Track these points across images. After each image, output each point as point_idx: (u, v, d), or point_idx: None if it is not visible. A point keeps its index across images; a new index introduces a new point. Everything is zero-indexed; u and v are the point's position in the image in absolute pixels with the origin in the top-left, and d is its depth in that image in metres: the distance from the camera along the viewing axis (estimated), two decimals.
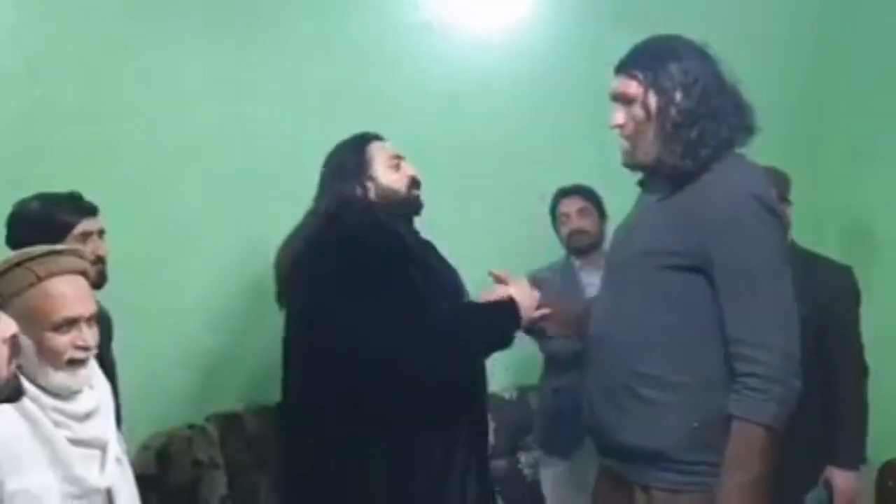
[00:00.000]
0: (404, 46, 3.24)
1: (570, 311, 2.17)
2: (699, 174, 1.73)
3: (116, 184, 2.62)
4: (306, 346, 2.03)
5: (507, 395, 3.31)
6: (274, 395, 2.23)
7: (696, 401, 1.70)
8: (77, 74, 2.70)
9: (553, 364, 2.88)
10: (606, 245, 2.85)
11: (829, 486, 2.49)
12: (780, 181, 2.36)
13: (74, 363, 1.58)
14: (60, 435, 1.54)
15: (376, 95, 3.10)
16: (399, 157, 2.17)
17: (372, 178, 2.12)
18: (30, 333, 1.52)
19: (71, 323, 1.57)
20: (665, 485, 1.72)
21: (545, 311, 2.07)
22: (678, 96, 1.74)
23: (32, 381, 1.55)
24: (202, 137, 2.87)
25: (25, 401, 1.49)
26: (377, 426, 1.96)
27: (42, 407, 1.53)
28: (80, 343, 1.58)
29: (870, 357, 2.53)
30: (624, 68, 1.82)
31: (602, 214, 2.95)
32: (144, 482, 2.00)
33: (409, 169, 2.17)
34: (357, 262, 1.94)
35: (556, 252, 3.01)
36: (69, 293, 1.57)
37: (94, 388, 1.68)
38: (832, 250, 2.67)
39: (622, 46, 1.87)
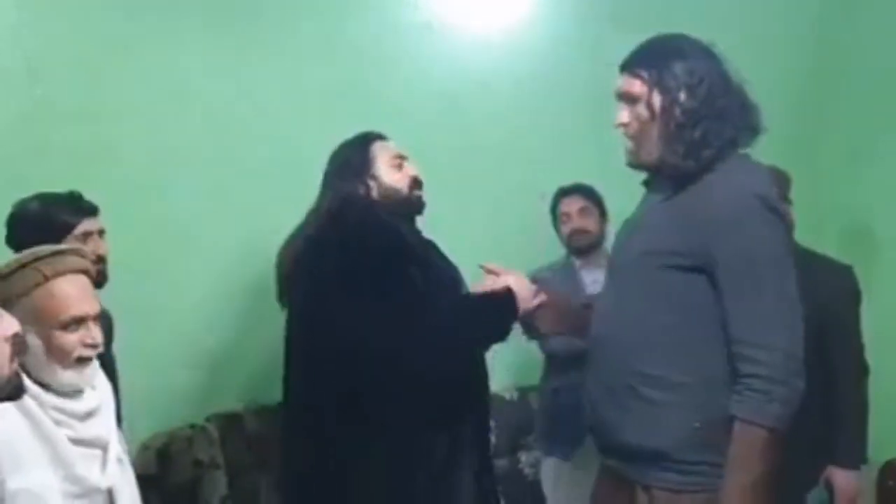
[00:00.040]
0: (404, 46, 3.24)
1: (566, 304, 2.18)
2: (702, 174, 1.72)
3: (116, 184, 2.62)
4: (307, 346, 2.03)
5: (507, 396, 3.31)
6: (274, 395, 2.23)
7: (697, 401, 1.70)
8: (77, 74, 2.70)
9: (553, 364, 2.88)
10: (607, 244, 2.87)
11: (829, 486, 2.49)
12: (780, 181, 2.36)
13: (82, 361, 1.60)
14: (61, 434, 1.55)
15: (376, 95, 3.10)
16: (402, 157, 2.17)
17: (374, 178, 2.12)
18: (38, 333, 1.54)
19: (79, 321, 1.58)
20: (666, 485, 1.72)
21: (542, 298, 2.07)
22: (682, 96, 1.73)
23: (38, 379, 1.56)
24: (202, 137, 2.87)
25: (26, 399, 1.49)
26: (377, 426, 1.96)
27: (43, 406, 1.54)
28: (89, 341, 1.60)
29: (870, 357, 2.53)
30: (629, 67, 1.81)
31: (603, 214, 2.95)
32: (145, 482, 2.00)
33: (411, 169, 2.18)
34: (358, 261, 1.94)
35: (557, 252, 3.01)
36: (76, 292, 1.59)
37: (95, 387, 1.68)
38: (832, 250, 2.67)
39: (622, 46, 1.87)
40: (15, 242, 2.07)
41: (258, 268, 2.63)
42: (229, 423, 2.81)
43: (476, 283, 2.11)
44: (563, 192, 2.98)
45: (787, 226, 1.78)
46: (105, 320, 1.82)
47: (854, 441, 2.46)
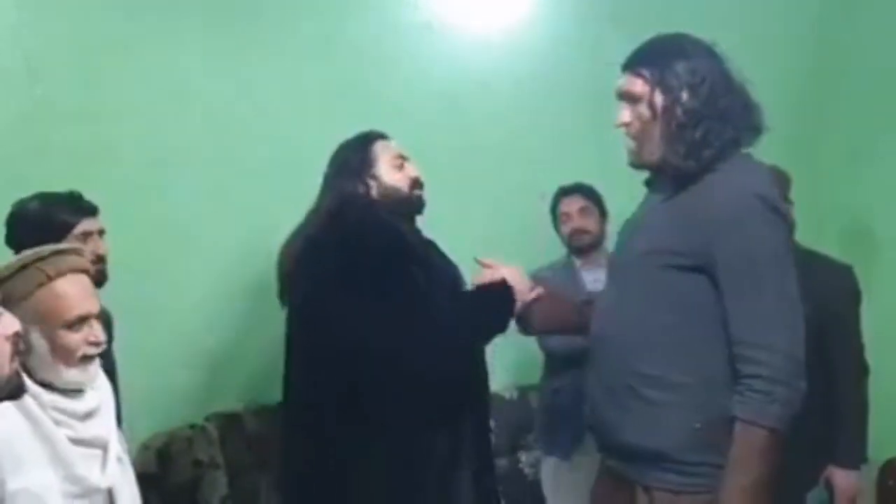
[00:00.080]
0: (404, 46, 3.24)
1: (563, 299, 2.18)
2: (703, 174, 1.72)
3: (116, 184, 2.63)
4: (307, 345, 2.03)
5: (507, 395, 3.31)
6: (274, 395, 2.23)
7: (697, 401, 1.70)
8: (77, 74, 2.70)
9: (553, 364, 2.88)
10: (607, 244, 2.87)
11: (829, 486, 2.49)
12: (780, 181, 2.36)
13: (87, 359, 1.61)
14: (61, 434, 1.55)
15: (376, 95, 3.10)
16: (403, 157, 2.17)
17: (375, 177, 2.12)
18: (42, 332, 1.55)
19: (83, 320, 1.59)
20: (667, 486, 1.72)
21: (539, 291, 2.08)
22: (684, 96, 1.72)
23: (42, 378, 1.56)
24: (202, 137, 2.87)
25: (26, 399, 1.50)
26: (377, 426, 1.96)
27: (43, 406, 1.54)
28: (92, 339, 1.61)
29: (870, 356, 2.53)
30: (630, 66, 1.81)
31: (603, 213, 2.95)
32: (145, 482, 2.00)
33: (412, 169, 2.18)
34: (358, 260, 1.94)
35: (557, 251, 3.01)
36: (79, 291, 1.60)
37: (95, 387, 1.68)
38: (832, 250, 2.67)
39: (622, 46, 1.87)
40: (15, 242, 2.07)
41: (258, 268, 2.63)
42: (229, 422, 2.81)
43: (473, 276, 2.12)
44: (564, 192, 2.98)
45: (789, 226, 1.76)
46: (105, 320, 1.82)
47: (854, 441, 2.46)
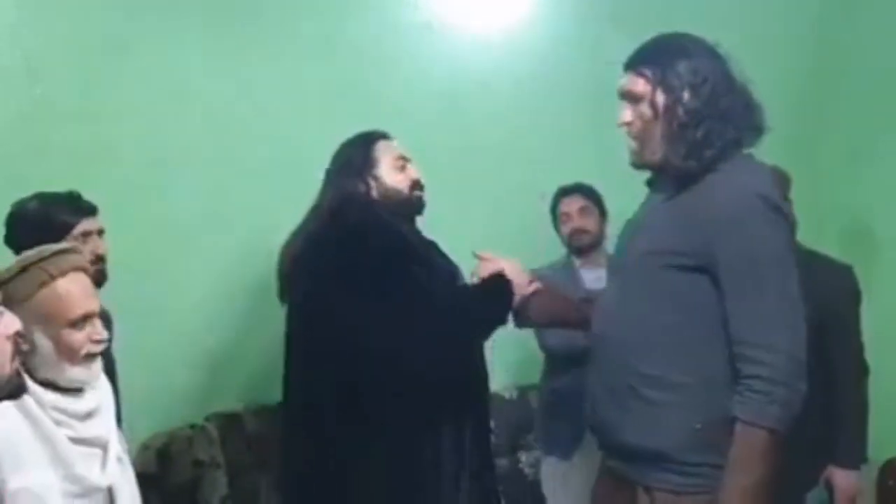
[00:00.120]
0: (404, 46, 3.24)
1: (561, 295, 2.19)
2: (705, 174, 1.71)
3: (116, 184, 2.63)
4: (307, 344, 2.04)
5: (507, 395, 3.32)
6: (274, 394, 2.23)
7: (698, 402, 1.69)
8: (77, 74, 2.70)
9: (553, 363, 2.88)
10: (607, 244, 2.87)
11: (829, 486, 2.49)
12: (780, 180, 2.36)
13: (91, 357, 1.62)
14: (61, 434, 1.55)
15: (376, 95, 3.10)
16: (405, 159, 2.18)
17: (376, 177, 2.12)
18: (46, 332, 1.56)
19: (85, 319, 1.60)
20: (668, 486, 1.71)
21: (537, 285, 2.08)
22: (686, 95, 1.72)
23: (46, 378, 1.57)
24: (202, 137, 2.87)
25: (26, 399, 1.50)
26: (377, 426, 1.96)
27: (43, 406, 1.54)
28: (96, 337, 1.63)
29: (870, 356, 2.53)
30: (632, 65, 1.80)
31: (603, 213, 2.95)
32: (145, 481, 2.00)
33: (413, 171, 2.18)
34: (358, 259, 1.94)
35: (557, 251, 3.01)
36: (80, 290, 1.61)
37: (95, 387, 1.69)
38: (832, 250, 2.67)
39: (622, 46, 1.86)
40: (14, 242, 2.07)
41: (258, 268, 2.63)
42: (229, 422, 2.81)
43: (472, 269, 2.12)
44: (563, 192, 2.98)
45: (791, 226, 1.75)
46: (104, 319, 1.82)
47: (854, 441, 2.46)
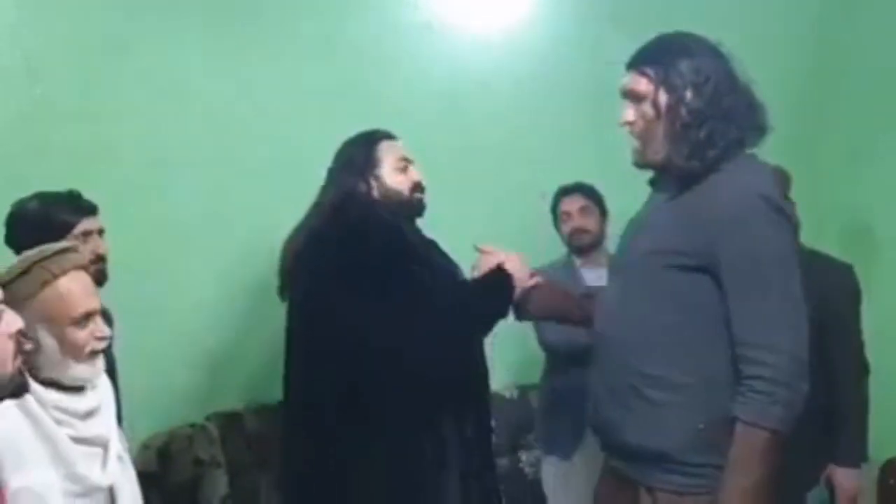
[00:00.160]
0: (404, 46, 3.24)
1: (562, 289, 2.19)
2: (707, 174, 1.71)
3: (116, 184, 2.63)
4: (307, 343, 2.04)
5: (508, 394, 3.32)
6: (274, 394, 2.23)
7: (700, 402, 1.69)
8: (77, 74, 2.70)
9: (554, 363, 2.88)
10: (607, 243, 2.88)
11: (830, 485, 2.49)
12: (781, 180, 2.36)
13: (94, 354, 1.64)
14: (62, 433, 1.55)
15: (376, 95, 3.10)
16: (407, 160, 2.17)
17: (377, 177, 2.13)
18: (50, 331, 1.57)
19: (88, 316, 1.62)
20: (670, 487, 1.71)
21: (537, 279, 2.08)
22: (689, 95, 1.71)
23: (50, 376, 1.58)
24: (202, 137, 2.87)
25: (27, 398, 1.50)
26: (377, 425, 1.96)
27: (44, 405, 1.54)
28: (99, 334, 1.64)
29: (870, 355, 2.53)
30: (635, 64, 1.79)
31: (603, 213, 2.95)
32: (146, 481, 2.00)
33: (415, 173, 2.18)
34: (359, 258, 1.94)
35: (558, 251, 3.01)
36: (82, 289, 1.62)
37: (95, 386, 1.69)
38: (832, 249, 2.67)
39: (622, 46, 1.86)
40: (14, 242, 2.07)
41: (258, 268, 2.64)
42: (229, 422, 2.81)
43: (473, 262, 2.13)
44: (564, 192, 2.98)
45: (793, 226, 1.74)
46: (105, 317, 1.83)
47: (855, 440, 2.46)
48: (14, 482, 1.47)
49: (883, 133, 3.41)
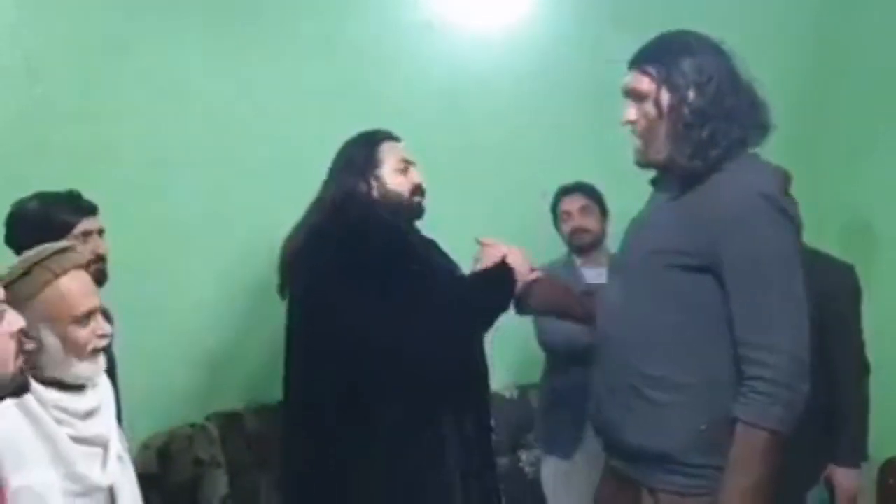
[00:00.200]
0: (404, 45, 3.24)
1: (562, 284, 2.19)
2: (710, 174, 1.70)
3: (116, 184, 2.63)
4: (307, 341, 2.03)
5: (507, 394, 3.32)
6: (274, 394, 2.23)
7: (702, 403, 1.68)
8: (77, 74, 2.70)
9: (554, 362, 2.88)
10: (608, 242, 2.88)
11: (830, 484, 2.49)
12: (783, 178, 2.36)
13: (97, 352, 1.65)
14: (62, 433, 1.56)
15: (376, 95, 3.10)
16: (408, 162, 2.17)
17: (377, 178, 2.12)
18: (53, 330, 1.58)
19: (89, 315, 1.63)
20: (672, 488, 1.70)
21: (538, 273, 2.08)
22: (691, 95, 1.70)
23: (53, 375, 1.59)
24: (202, 137, 2.87)
25: (28, 398, 1.51)
26: (377, 425, 1.96)
27: (44, 405, 1.55)
28: (100, 332, 1.65)
29: (870, 354, 2.53)
30: (637, 63, 1.79)
31: (604, 212, 2.95)
32: (146, 481, 2.01)
33: (416, 175, 2.17)
34: (360, 256, 1.94)
35: (558, 250, 3.01)
36: (83, 287, 1.63)
37: (96, 385, 1.70)
38: (832, 248, 2.67)
39: (622, 44, 1.86)
40: (15, 242, 2.07)
41: (258, 268, 2.64)
42: (229, 422, 2.81)
43: (475, 254, 2.13)
44: (564, 191, 2.98)
45: (796, 226, 1.72)
46: (105, 316, 1.83)
47: (855, 439, 2.46)
48: (14, 482, 1.47)
49: (883, 132, 3.41)
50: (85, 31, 2.72)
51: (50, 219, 2.10)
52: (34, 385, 1.52)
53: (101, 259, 2.14)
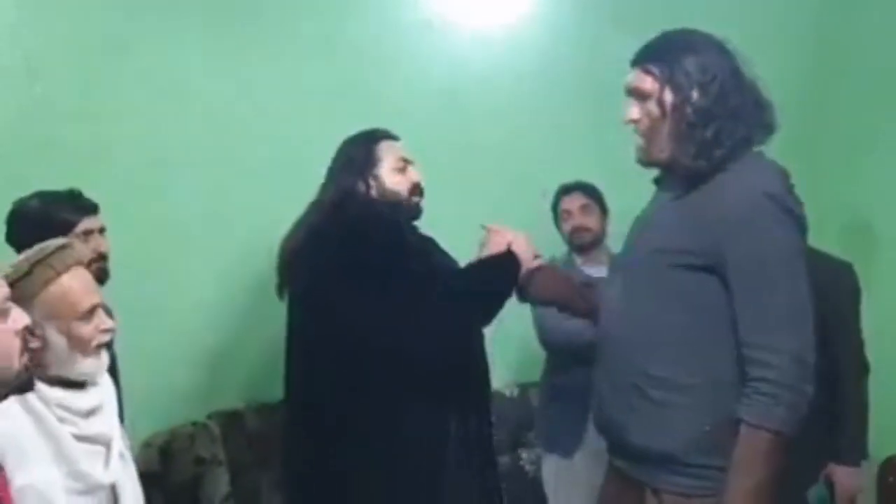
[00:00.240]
0: (404, 44, 3.24)
1: (564, 274, 2.20)
2: (714, 173, 1.69)
3: (116, 183, 2.63)
4: (307, 340, 2.03)
5: (508, 392, 3.32)
6: (275, 392, 2.24)
7: (706, 403, 1.67)
8: (77, 74, 2.70)
9: (554, 361, 2.89)
10: (608, 242, 2.88)
11: (830, 483, 2.49)
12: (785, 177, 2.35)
13: (100, 347, 1.66)
14: (65, 431, 1.56)
15: (377, 94, 3.10)
16: (407, 161, 2.17)
17: (376, 177, 2.12)
18: (58, 327, 1.59)
19: (92, 311, 1.64)
20: (676, 489, 1.70)
21: (541, 261, 2.08)
22: (695, 94, 1.69)
23: (58, 373, 1.59)
24: (202, 137, 2.87)
25: (30, 397, 1.51)
26: (378, 424, 1.96)
27: (47, 403, 1.55)
28: (103, 327, 1.66)
29: (870, 354, 2.53)
30: (640, 62, 1.77)
31: (604, 211, 2.95)
32: (147, 479, 2.00)
33: (414, 174, 2.17)
34: (360, 254, 1.94)
35: (558, 249, 3.01)
36: (84, 284, 1.64)
37: (98, 383, 1.70)
38: (832, 248, 2.66)
39: (622, 43, 1.86)
40: (15, 241, 2.07)
41: (258, 267, 2.64)
42: (230, 420, 2.82)
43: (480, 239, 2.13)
44: (564, 190, 2.98)
45: (802, 226, 1.70)
46: (107, 312, 1.83)
47: (855, 438, 2.46)
48: (17, 480, 1.47)
49: (883, 132, 3.41)
50: (85, 31, 2.72)
51: (51, 217, 2.10)
52: (38, 383, 1.53)
53: (102, 257, 2.15)
